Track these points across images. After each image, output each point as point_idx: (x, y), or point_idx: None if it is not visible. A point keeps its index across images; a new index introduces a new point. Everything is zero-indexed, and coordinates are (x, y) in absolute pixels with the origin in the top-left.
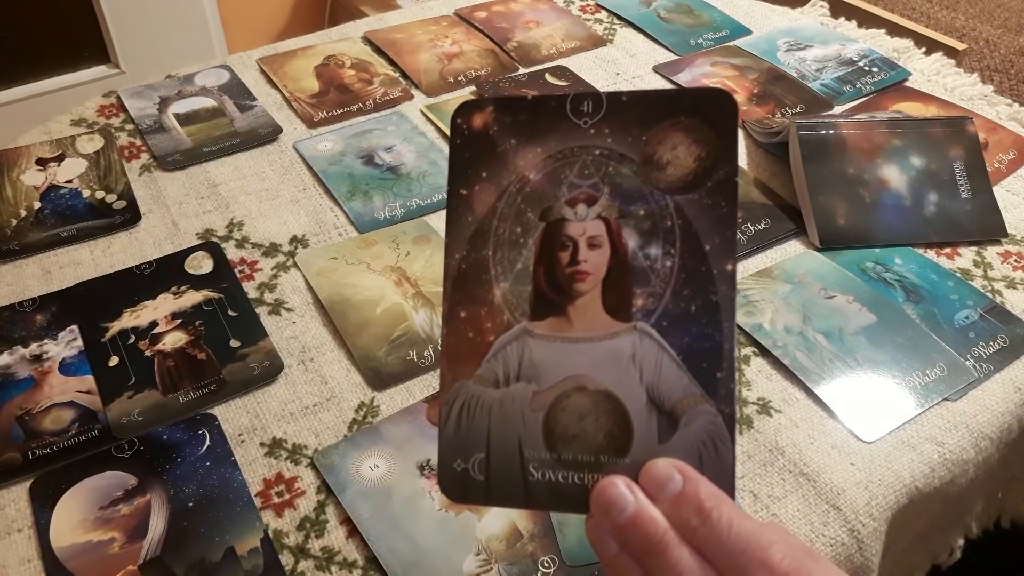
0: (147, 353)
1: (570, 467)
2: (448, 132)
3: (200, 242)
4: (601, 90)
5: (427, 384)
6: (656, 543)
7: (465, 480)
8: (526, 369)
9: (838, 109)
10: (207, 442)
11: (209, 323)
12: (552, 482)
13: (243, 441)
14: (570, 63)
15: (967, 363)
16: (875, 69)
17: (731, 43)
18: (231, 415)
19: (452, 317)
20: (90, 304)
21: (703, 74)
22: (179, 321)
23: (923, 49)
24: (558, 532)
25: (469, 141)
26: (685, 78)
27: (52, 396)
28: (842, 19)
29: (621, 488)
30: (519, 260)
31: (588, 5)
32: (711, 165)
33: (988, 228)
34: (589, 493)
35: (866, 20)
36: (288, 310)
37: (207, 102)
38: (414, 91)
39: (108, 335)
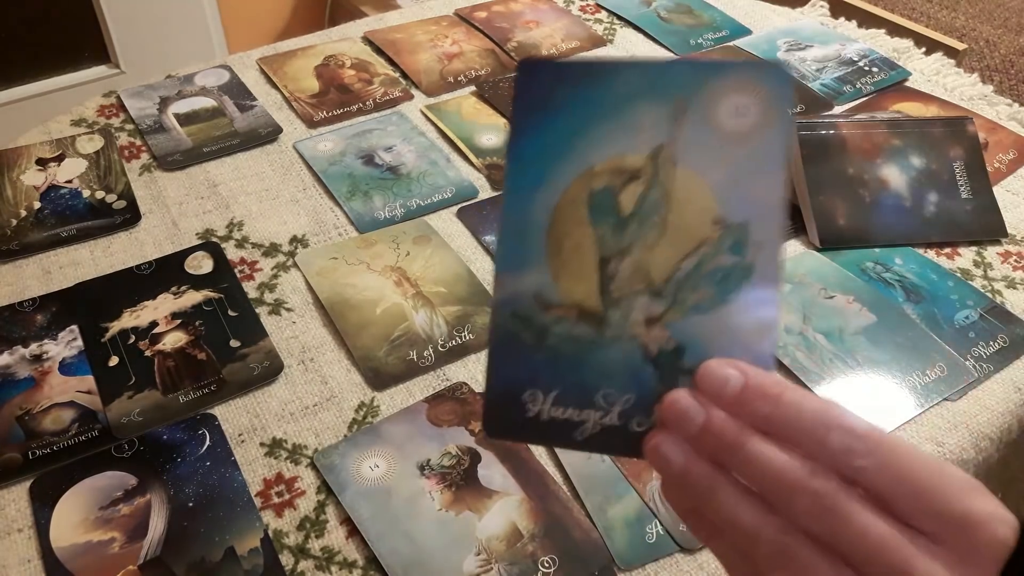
0: (147, 353)
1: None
2: (448, 131)
3: (200, 242)
4: None
5: (427, 384)
6: (733, 440)
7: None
8: None
9: (838, 109)
10: (207, 442)
11: (209, 323)
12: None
13: (243, 441)
14: None
15: (967, 363)
16: (875, 69)
17: (731, 43)
18: (231, 415)
19: None
20: (90, 304)
21: None
22: (179, 321)
23: (923, 49)
24: (607, 538)
25: None
26: None
27: (52, 396)
28: (842, 19)
29: (689, 399)
30: None
31: (588, 5)
32: None
33: (988, 228)
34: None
35: (866, 20)
36: (288, 310)
37: (207, 102)
38: (414, 91)
39: (108, 335)
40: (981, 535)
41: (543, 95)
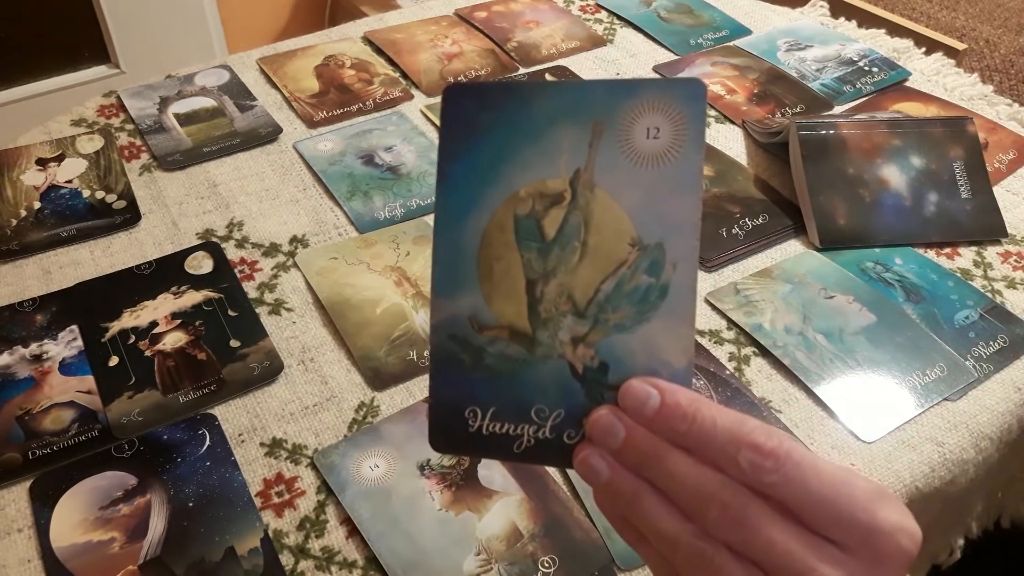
0: (147, 353)
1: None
2: None
3: (200, 242)
4: None
5: (427, 384)
6: (652, 454)
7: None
8: None
9: (838, 109)
10: (207, 442)
11: (209, 323)
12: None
13: (243, 441)
14: (570, 63)
15: (967, 363)
16: (875, 69)
17: (731, 43)
18: (231, 415)
19: None
20: (90, 304)
21: (703, 74)
22: (179, 321)
23: (923, 49)
24: (607, 538)
25: None
26: None
27: (52, 396)
28: (842, 19)
29: (611, 416)
30: None
31: (588, 5)
32: None
33: (988, 228)
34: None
35: (866, 20)
36: (288, 310)
37: (207, 102)
38: (414, 91)
39: (108, 335)
40: (885, 545)
41: (469, 120)
